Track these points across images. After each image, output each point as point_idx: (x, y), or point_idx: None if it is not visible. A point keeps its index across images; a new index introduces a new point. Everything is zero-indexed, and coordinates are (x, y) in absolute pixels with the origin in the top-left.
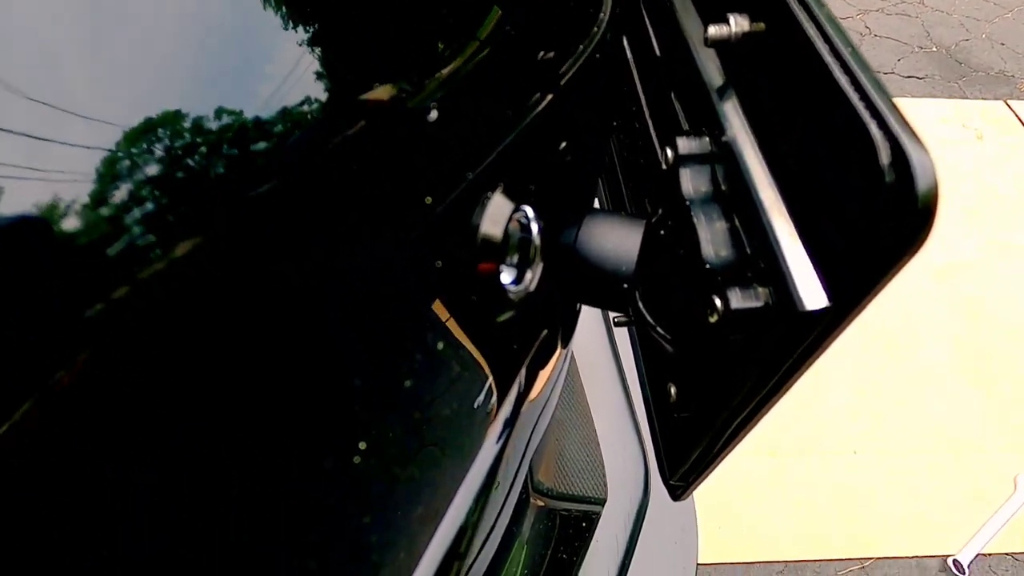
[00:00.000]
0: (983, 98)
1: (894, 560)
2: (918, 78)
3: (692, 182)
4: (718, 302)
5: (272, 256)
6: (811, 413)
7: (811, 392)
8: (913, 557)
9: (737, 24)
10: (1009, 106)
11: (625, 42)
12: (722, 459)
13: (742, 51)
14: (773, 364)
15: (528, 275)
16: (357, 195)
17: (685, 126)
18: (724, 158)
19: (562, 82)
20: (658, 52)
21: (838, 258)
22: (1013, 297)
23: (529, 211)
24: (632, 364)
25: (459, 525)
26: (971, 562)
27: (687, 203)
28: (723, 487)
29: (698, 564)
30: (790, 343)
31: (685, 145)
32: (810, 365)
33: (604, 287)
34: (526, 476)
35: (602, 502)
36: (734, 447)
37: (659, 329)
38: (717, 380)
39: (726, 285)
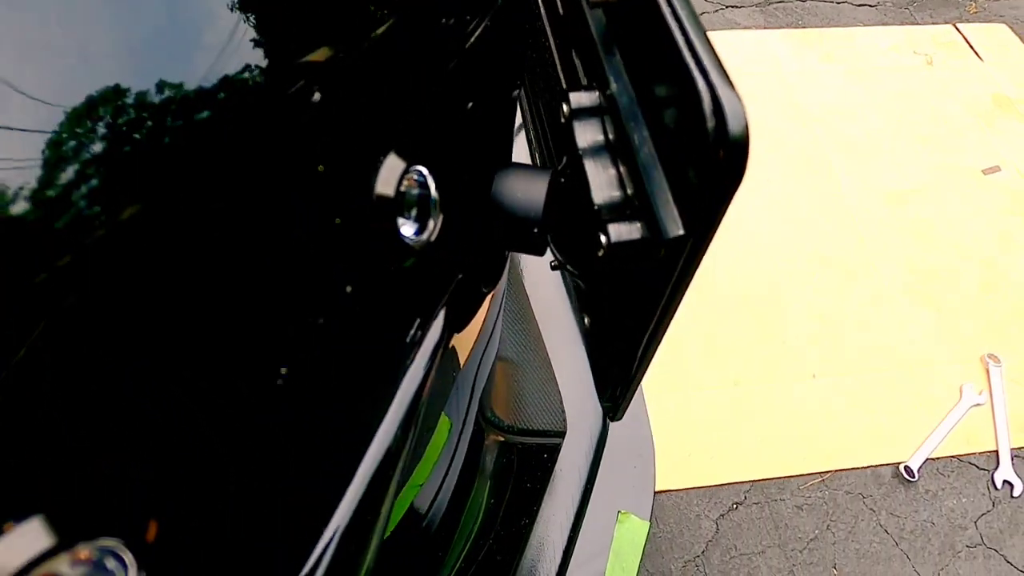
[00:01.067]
0: (933, 23)
1: (851, 471)
2: (870, 6)
3: (584, 133)
4: (603, 238)
5: (195, 227)
6: (773, 342)
7: (772, 322)
8: (868, 467)
9: None
10: (958, 29)
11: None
12: (639, 377)
13: (620, 11)
14: (655, 288)
15: (430, 225)
16: (254, 168)
17: (584, 81)
18: (610, 110)
19: (466, 45)
20: (561, 11)
21: (689, 193)
22: (961, 219)
23: (423, 169)
24: None
25: (386, 447)
26: (920, 466)
27: (580, 152)
28: (691, 417)
29: (670, 490)
30: (665, 268)
31: (577, 99)
32: (685, 286)
33: (517, 232)
34: (478, 414)
35: (562, 434)
36: (646, 366)
37: (569, 267)
38: (616, 307)
39: (608, 222)
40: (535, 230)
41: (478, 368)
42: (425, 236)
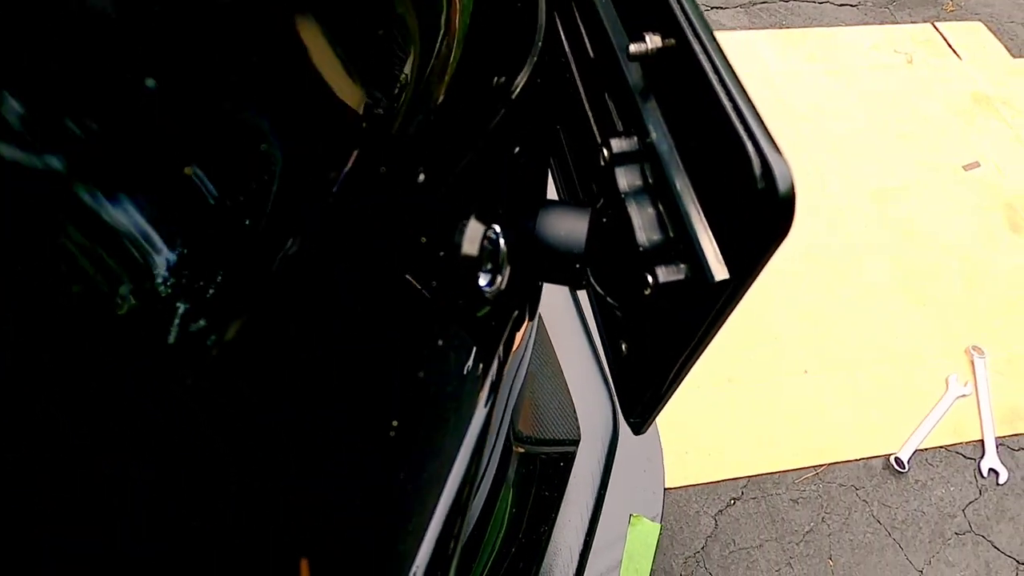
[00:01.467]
0: (912, 22)
1: (844, 464)
2: (851, 5)
3: (625, 178)
4: (650, 278)
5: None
6: (766, 340)
7: (764, 320)
8: (860, 459)
9: (652, 41)
10: (936, 28)
11: (562, 36)
12: (669, 397)
13: (659, 63)
14: (695, 322)
15: (499, 278)
16: (380, 246)
17: (619, 125)
18: (650, 157)
19: (512, 97)
20: (591, 54)
21: (733, 242)
22: (943, 215)
23: (497, 228)
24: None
25: (460, 481)
26: (910, 457)
27: (622, 196)
28: (688, 416)
29: (669, 488)
30: (706, 305)
31: (618, 145)
32: (724, 321)
33: (560, 267)
34: (508, 428)
35: (576, 442)
36: (676, 387)
37: (609, 299)
38: (656, 337)
39: (655, 263)
40: (577, 265)
41: (509, 391)
42: (496, 287)
